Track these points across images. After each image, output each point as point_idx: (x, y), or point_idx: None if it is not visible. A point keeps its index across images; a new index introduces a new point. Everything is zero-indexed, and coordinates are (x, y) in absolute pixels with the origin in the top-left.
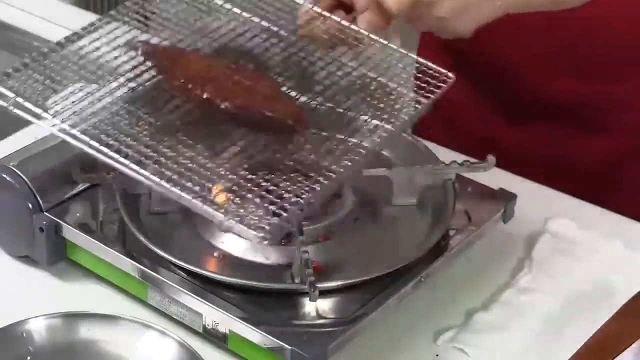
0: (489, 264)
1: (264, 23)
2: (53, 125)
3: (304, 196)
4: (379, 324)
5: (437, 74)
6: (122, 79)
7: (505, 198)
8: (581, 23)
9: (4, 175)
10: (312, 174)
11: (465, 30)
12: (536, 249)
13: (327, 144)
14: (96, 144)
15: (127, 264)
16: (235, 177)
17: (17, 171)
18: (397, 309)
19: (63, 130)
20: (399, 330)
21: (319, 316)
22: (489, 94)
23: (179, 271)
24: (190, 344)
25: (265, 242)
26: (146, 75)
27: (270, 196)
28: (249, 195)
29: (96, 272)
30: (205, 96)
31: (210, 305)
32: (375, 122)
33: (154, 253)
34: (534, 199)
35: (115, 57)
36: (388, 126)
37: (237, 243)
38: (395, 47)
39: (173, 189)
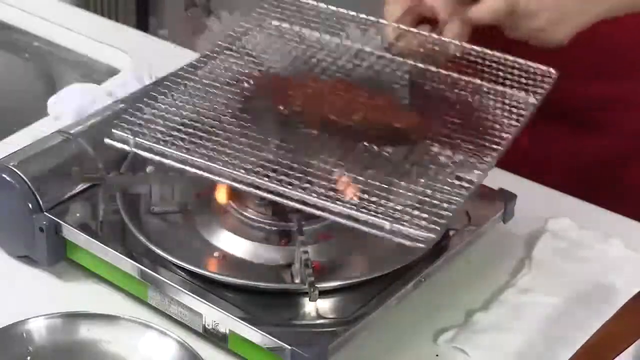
0: (489, 264)
1: (353, 44)
2: None
3: (453, 200)
4: (379, 324)
5: (539, 72)
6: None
7: (505, 198)
8: None
9: (4, 175)
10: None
11: (561, 39)
12: (536, 249)
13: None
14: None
15: (127, 264)
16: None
17: (17, 171)
18: (397, 309)
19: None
20: (399, 330)
21: (319, 316)
22: None
23: (179, 271)
24: (190, 344)
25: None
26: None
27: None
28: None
29: (96, 272)
30: (327, 116)
31: (210, 305)
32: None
33: (154, 253)
34: (534, 199)
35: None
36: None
37: (237, 243)
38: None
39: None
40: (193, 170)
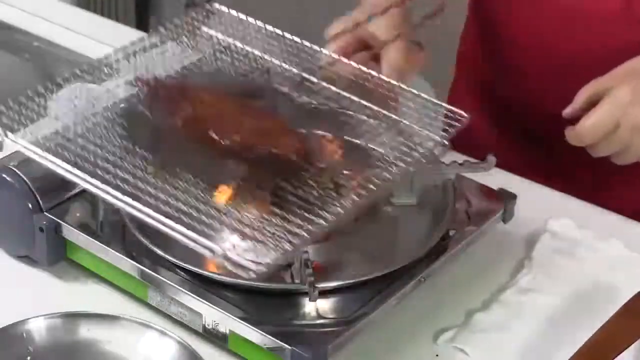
0: (489, 264)
1: (278, 63)
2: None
3: (304, 234)
4: (379, 324)
5: (451, 113)
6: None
7: (505, 198)
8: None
9: (4, 175)
10: (315, 210)
11: None
12: (536, 249)
13: (335, 179)
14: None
15: (127, 264)
16: (234, 211)
17: (17, 171)
18: (397, 309)
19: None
20: (399, 330)
21: (319, 316)
22: (514, 138)
23: (179, 271)
24: (190, 344)
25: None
26: (142, 108)
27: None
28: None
29: (96, 272)
30: (208, 133)
31: (210, 305)
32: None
33: (154, 253)
34: (534, 199)
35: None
36: (401, 164)
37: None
38: (412, 89)
39: (167, 220)
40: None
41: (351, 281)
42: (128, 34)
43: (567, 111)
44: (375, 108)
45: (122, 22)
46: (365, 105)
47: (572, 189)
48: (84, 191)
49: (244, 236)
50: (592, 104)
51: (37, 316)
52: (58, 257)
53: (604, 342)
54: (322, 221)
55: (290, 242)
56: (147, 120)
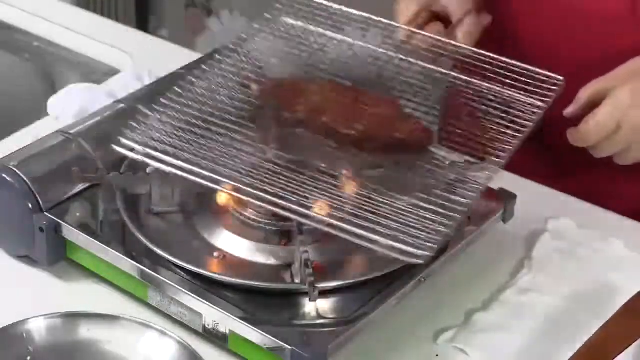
0: (489, 264)
1: (366, 45)
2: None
3: (454, 214)
4: (379, 324)
5: (546, 78)
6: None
7: (505, 198)
8: None
9: (4, 175)
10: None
11: None
12: (536, 249)
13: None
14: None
15: (127, 264)
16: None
17: (17, 171)
18: (397, 309)
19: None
20: (399, 330)
21: (319, 316)
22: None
23: (179, 271)
24: (190, 344)
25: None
26: (264, 109)
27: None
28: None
29: (96, 272)
30: (330, 124)
31: (210, 305)
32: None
33: (154, 253)
34: (534, 199)
35: (229, 96)
36: (512, 140)
37: (237, 243)
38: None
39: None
40: (198, 180)
41: (351, 281)
42: (128, 34)
43: (569, 111)
44: (476, 81)
45: (122, 22)
46: (463, 78)
47: (572, 189)
48: (84, 191)
49: (398, 224)
50: (593, 103)
51: (37, 316)
52: (58, 257)
53: (604, 342)
54: (466, 200)
55: (442, 223)
56: (265, 117)
